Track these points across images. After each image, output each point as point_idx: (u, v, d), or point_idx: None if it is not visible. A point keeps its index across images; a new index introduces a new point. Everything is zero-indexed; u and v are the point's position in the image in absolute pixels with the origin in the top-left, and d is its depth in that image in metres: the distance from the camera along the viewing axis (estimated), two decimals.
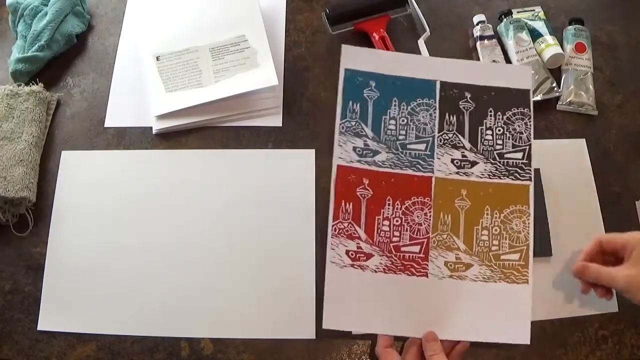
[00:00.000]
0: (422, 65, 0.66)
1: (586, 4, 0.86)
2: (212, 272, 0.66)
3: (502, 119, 0.64)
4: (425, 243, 0.61)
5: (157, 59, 0.77)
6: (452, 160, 0.63)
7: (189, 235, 0.68)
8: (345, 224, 0.60)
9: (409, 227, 0.61)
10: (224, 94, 0.74)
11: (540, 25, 0.81)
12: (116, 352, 0.63)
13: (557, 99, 0.77)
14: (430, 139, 0.63)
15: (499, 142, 0.64)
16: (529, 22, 0.81)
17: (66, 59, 0.80)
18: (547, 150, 0.74)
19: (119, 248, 0.67)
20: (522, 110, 0.64)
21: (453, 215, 0.62)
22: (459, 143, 0.63)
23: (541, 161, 0.72)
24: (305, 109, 0.76)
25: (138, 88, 0.77)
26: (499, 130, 0.64)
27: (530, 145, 0.64)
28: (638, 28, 0.84)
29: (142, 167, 0.72)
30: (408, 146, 0.63)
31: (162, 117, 0.74)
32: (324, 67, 0.79)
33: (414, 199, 0.62)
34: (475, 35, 0.81)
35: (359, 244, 0.60)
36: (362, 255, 0.60)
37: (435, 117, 0.64)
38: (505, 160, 0.63)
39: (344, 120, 0.63)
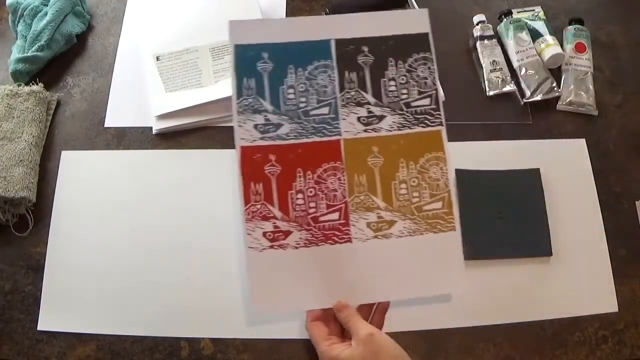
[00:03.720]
0: (314, 26, 0.63)
1: (586, 4, 0.86)
2: (211, 272, 0.66)
3: (404, 67, 0.62)
4: (343, 208, 0.59)
5: (157, 59, 0.77)
6: (359, 119, 0.61)
7: (189, 235, 0.68)
8: (258, 206, 0.58)
9: (324, 196, 0.59)
10: (224, 94, 0.74)
11: (540, 25, 0.81)
12: (116, 352, 0.63)
13: (557, 99, 0.77)
14: (333, 100, 0.61)
15: (404, 91, 0.61)
16: (529, 22, 0.81)
17: (66, 59, 0.80)
18: (547, 150, 0.74)
19: (119, 248, 0.67)
20: (423, 55, 0.62)
21: (368, 175, 0.60)
22: (362, 100, 0.61)
23: (541, 161, 0.72)
24: None
25: (138, 88, 0.77)
26: (402, 79, 0.62)
27: (436, 89, 0.61)
28: (638, 28, 0.84)
29: (142, 167, 0.72)
30: (311, 112, 0.60)
31: (162, 117, 0.74)
32: None
33: (325, 165, 0.59)
34: (475, 35, 0.81)
35: (275, 223, 0.58)
36: (280, 234, 0.58)
37: (334, 77, 0.61)
38: (413, 109, 0.61)
39: (240, 100, 0.60)
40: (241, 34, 0.62)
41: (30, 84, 0.75)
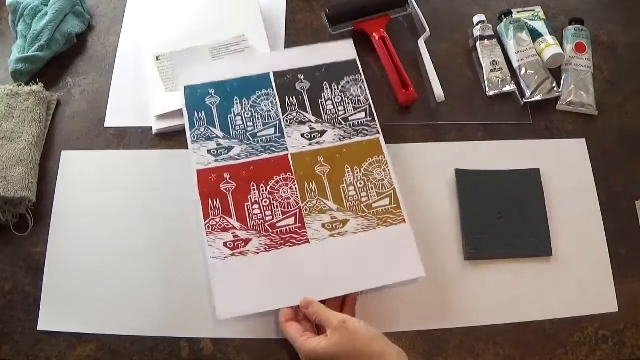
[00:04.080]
0: (254, 62, 0.72)
1: (586, 4, 0.87)
2: None
3: (338, 88, 0.71)
4: (298, 213, 0.64)
5: (157, 59, 0.77)
6: (302, 135, 0.68)
7: (189, 235, 0.68)
8: (217, 219, 0.63)
9: (278, 204, 0.64)
10: None
11: (540, 25, 0.81)
12: (116, 352, 0.62)
13: (557, 99, 0.77)
14: (277, 122, 0.68)
15: (341, 108, 0.70)
16: (529, 22, 0.81)
17: (66, 59, 0.80)
18: (547, 150, 0.74)
19: (119, 248, 0.67)
20: (353, 77, 0.72)
21: (317, 182, 0.65)
22: (304, 119, 0.69)
23: (541, 161, 0.72)
24: None
25: (138, 88, 0.77)
26: (338, 99, 0.70)
27: (370, 104, 0.70)
28: (638, 28, 0.84)
29: (142, 167, 0.72)
30: (258, 134, 0.68)
31: (162, 117, 0.74)
32: None
33: (276, 177, 0.65)
34: (475, 35, 0.81)
35: (234, 233, 0.63)
36: (240, 242, 0.62)
37: (276, 102, 0.69)
38: (351, 122, 0.69)
39: (193, 130, 0.68)
40: (189, 76, 0.71)
41: (30, 83, 0.75)
